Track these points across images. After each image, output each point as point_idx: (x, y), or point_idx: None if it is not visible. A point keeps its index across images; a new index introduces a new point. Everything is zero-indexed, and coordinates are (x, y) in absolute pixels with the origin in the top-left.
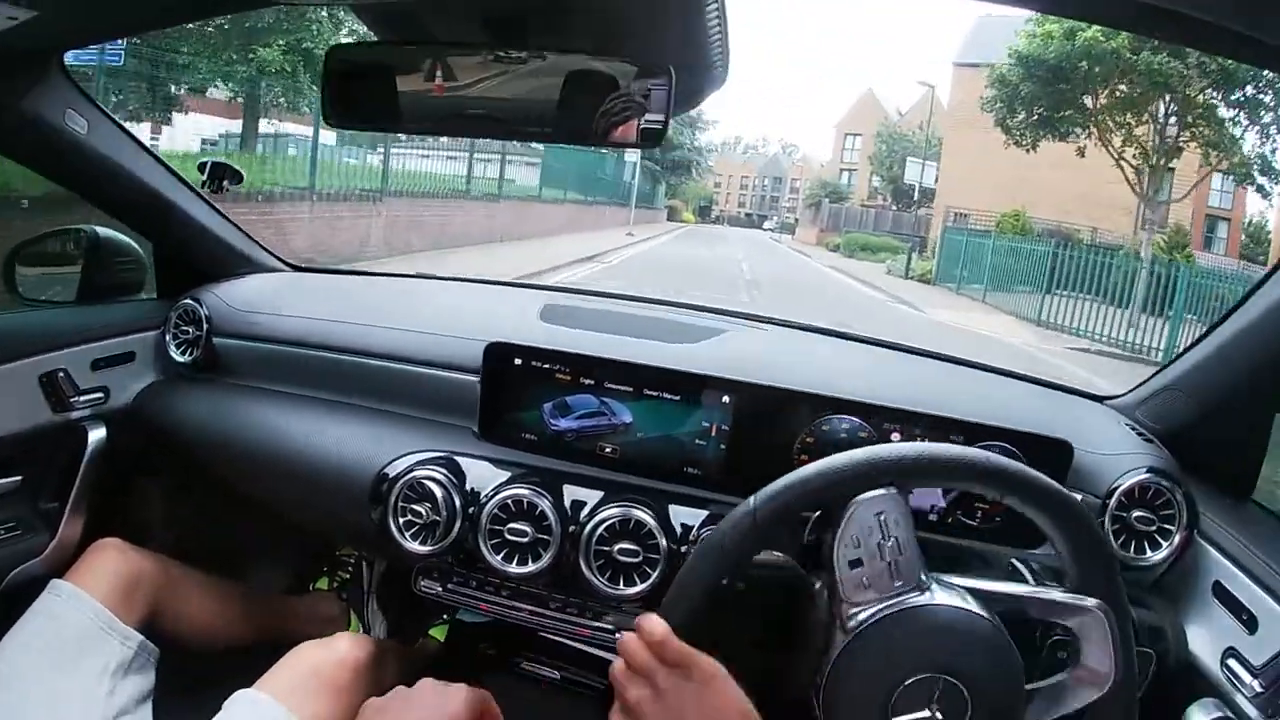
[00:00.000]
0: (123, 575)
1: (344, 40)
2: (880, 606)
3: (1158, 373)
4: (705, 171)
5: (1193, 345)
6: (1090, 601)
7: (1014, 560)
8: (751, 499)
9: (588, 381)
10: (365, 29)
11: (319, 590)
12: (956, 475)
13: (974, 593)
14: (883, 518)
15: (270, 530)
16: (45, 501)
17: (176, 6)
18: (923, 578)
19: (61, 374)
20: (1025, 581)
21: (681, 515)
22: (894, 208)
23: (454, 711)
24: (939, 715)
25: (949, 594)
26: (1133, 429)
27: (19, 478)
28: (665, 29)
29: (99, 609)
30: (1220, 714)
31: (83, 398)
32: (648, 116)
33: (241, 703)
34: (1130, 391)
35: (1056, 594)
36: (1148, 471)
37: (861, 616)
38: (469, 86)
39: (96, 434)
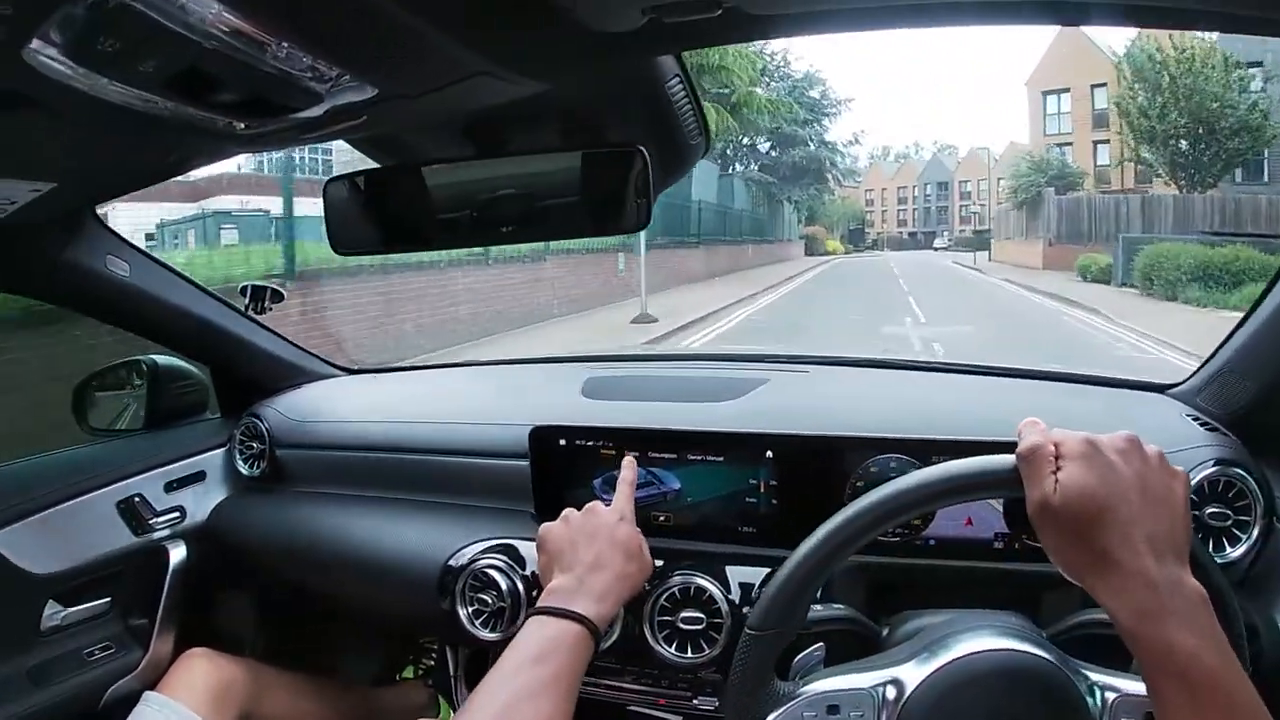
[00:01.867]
0: (212, 682)
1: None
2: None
3: (1215, 353)
4: (847, 175)
5: (1242, 321)
6: None
7: None
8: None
9: (632, 453)
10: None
11: (406, 679)
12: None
13: (1025, 631)
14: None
15: (353, 626)
16: (135, 619)
17: (183, 159)
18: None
19: (138, 499)
20: None
21: (741, 575)
22: (1181, 185)
23: (623, 536)
24: None
25: (1001, 637)
26: (1195, 419)
27: (108, 599)
28: (635, 115)
29: (190, 716)
30: None
31: (160, 519)
32: (634, 198)
33: None
34: (1191, 377)
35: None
36: (1215, 464)
37: (920, 670)
38: (464, 197)
39: (177, 552)
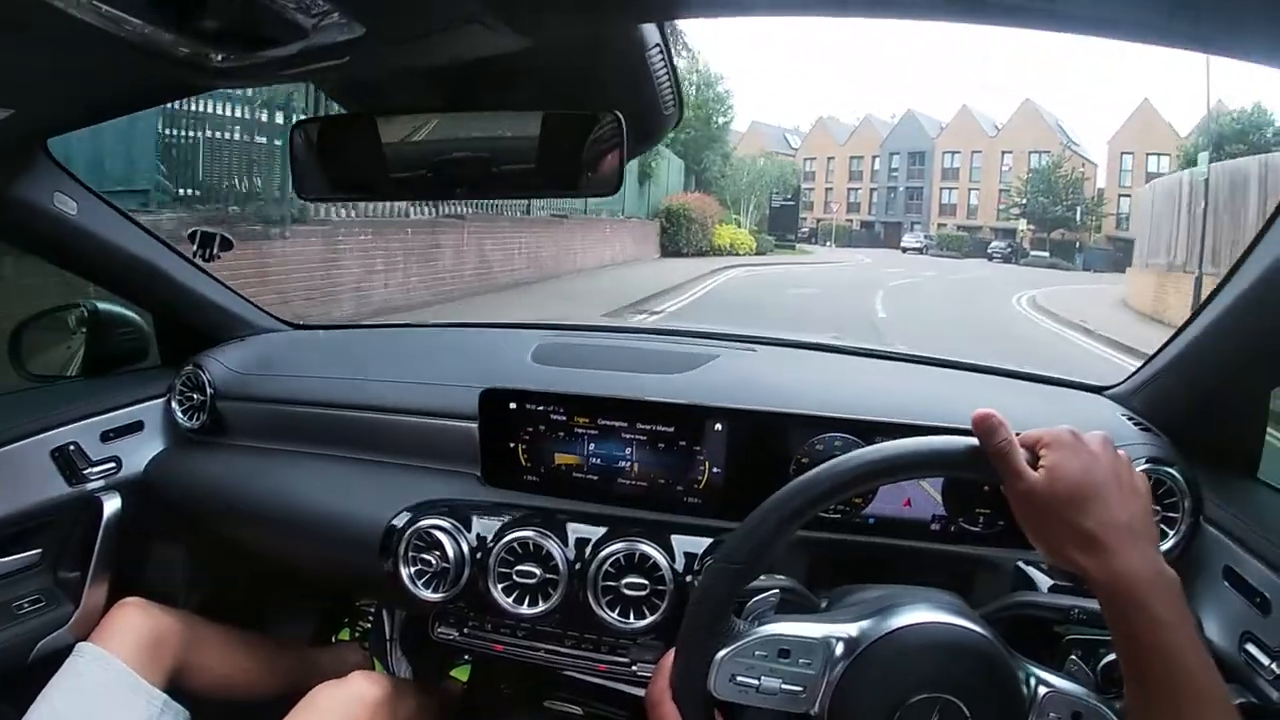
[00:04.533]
0: (145, 633)
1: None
2: (820, 694)
3: (1151, 359)
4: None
5: (1183, 327)
6: None
7: (1019, 563)
8: (718, 550)
9: (583, 419)
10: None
11: (342, 641)
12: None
13: (966, 610)
14: (736, 679)
15: (290, 585)
16: (67, 571)
17: (147, 91)
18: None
19: (72, 447)
20: (1033, 585)
21: (685, 544)
22: None
23: None
24: None
25: (946, 612)
26: (1130, 419)
27: (38, 550)
28: (612, 80)
29: (122, 668)
30: (1242, 699)
31: (95, 469)
32: (606, 160)
33: None
34: (1126, 380)
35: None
36: (1148, 461)
37: (819, 711)
38: (435, 148)
39: (111, 503)
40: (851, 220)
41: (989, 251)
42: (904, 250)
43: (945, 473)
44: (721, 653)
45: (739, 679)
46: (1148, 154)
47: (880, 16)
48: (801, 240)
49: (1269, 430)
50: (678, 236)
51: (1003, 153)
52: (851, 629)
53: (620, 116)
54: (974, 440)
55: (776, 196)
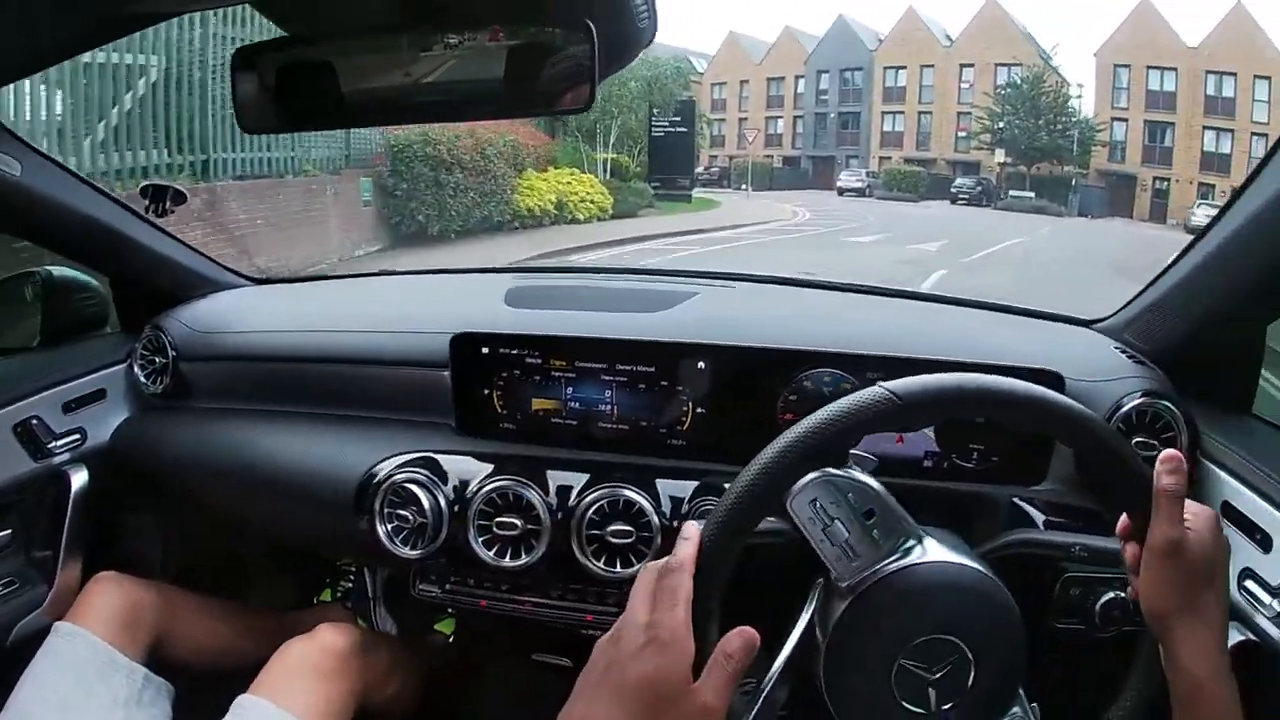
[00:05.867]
0: (121, 607)
1: None
2: (869, 571)
3: (1144, 291)
4: None
5: (1177, 259)
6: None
7: (1014, 499)
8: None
9: (559, 362)
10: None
11: (324, 602)
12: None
13: (965, 546)
14: (818, 504)
15: (267, 548)
16: (39, 550)
17: (81, 37)
18: (907, 539)
19: (34, 421)
20: (1029, 522)
21: (671, 489)
22: None
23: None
24: (940, 676)
25: (943, 549)
26: (1123, 351)
27: (8, 531)
28: None
29: (100, 645)
30: (1242, 637)
31: (59, 442)
32: (574, 81)
33: (238, 708)
34: (1117, 313)
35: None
36: (1142, 395)
37: (854, 582)
38: (391, 73)
39: (79, 476)
40: (771, 156)
41: (953, 191)
42: (840, 192)
43: (1107, 468)
44: (816, 474)
45: (820, 505)
46: (1148, 68)
47: None
48: (708, 183)
49: (1263, 375)
50: (412, 202)
51: (961, 66)
52: (923, 543)
53: (591, 26)
54: (1153, 470)
55: (658, 119)
